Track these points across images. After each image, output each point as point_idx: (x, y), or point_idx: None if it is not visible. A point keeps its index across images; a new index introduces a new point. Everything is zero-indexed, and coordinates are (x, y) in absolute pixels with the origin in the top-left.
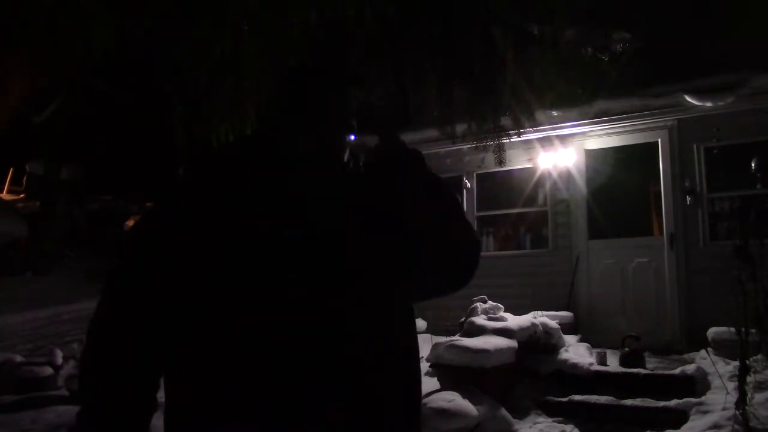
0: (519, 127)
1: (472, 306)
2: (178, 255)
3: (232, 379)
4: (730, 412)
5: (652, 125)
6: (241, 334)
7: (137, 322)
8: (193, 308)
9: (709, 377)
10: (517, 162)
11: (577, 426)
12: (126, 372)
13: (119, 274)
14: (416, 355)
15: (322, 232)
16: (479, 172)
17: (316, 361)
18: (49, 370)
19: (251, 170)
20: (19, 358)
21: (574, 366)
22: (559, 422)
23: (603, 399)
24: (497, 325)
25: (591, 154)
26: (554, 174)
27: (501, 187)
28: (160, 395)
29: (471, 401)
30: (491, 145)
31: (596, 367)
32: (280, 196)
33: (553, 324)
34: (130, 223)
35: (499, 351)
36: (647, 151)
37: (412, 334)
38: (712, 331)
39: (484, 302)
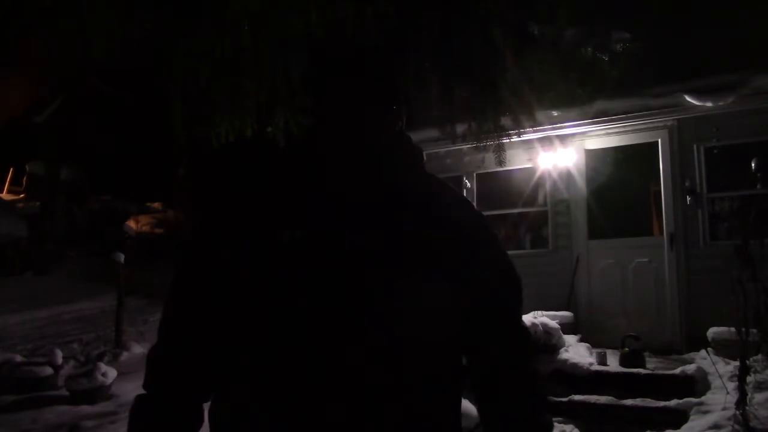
0: (519, 127)
1: None
2: (223, 279)
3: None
4: (730, 412)
5: (652, 125)
6: (271, 346)
7: (189, 349)
8: (234, 323)
9: (709, 377)
10: (517, 162)
11: (577, 426)
12: (175, 391)
13: (170, 308)
14: (447, 391)
15: (350, 244)
16: (479, 172)
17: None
18: (49, 370)
19: (288, 177)
20: (19, 358)
21: (574, 366)
22: (559, 422)
23: (603, 399)
24: None
25: (591, 154)
26: (554, 174)
27: (501, 187)
28: None
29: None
30: (491, 145)
31: (596, 367)
32: (309, 204)
33: (553, 324)
34: (131, 223)
35: None
36: (647, 151)
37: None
38: (712, 331)
39: None
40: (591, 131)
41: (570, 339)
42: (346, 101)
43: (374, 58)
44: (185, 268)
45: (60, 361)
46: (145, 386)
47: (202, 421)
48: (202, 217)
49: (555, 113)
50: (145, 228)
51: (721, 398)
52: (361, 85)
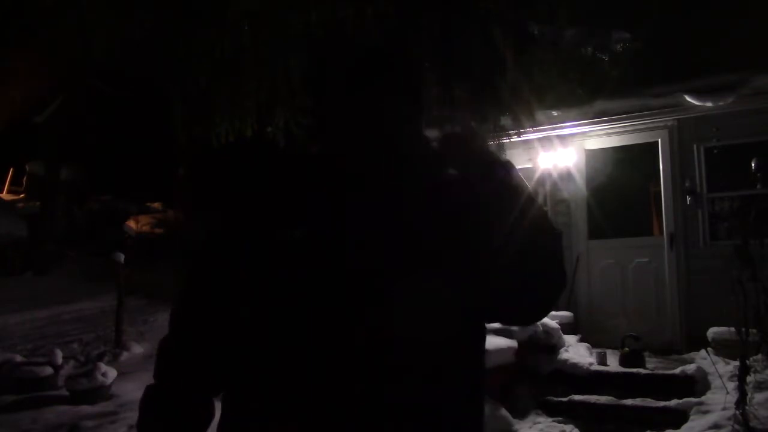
0: (519, 127)
1: None
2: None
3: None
4: (730, 412)
5: (652, 125)
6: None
7: (197, 342)
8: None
9: (709, 377)
10: (517, 162)
11: (577, 426)
12: (184, 383)
13: (178, 303)
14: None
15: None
16: None
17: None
18: (49, 370)
19: (304, 184)
20: (19, 358)
21: (574, 366)
22: (559, 422)
23: (603, 399)
24: (497, 325)
25: (591, 154)
26: (554, 174)
27: None
28: None
29: None
30: (491, 145)
31: (596, 367)
32: (329, 210)
33: (553, 324)
34: (131, 223)
35: (499, 351)
36: (647, 151)
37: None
38: (712, 331)
39: None
40: (591, 131)
41: (570, 339)
42: (347, 101)
43: (376, 57)
44: (194, 264)
45: (60, 361)
46: (155, 376)
47: (212, 415)
48: (210, 216)
49: (555, 113)
50: (145, 228)
51: (721, 398)
52: (361, 85)
